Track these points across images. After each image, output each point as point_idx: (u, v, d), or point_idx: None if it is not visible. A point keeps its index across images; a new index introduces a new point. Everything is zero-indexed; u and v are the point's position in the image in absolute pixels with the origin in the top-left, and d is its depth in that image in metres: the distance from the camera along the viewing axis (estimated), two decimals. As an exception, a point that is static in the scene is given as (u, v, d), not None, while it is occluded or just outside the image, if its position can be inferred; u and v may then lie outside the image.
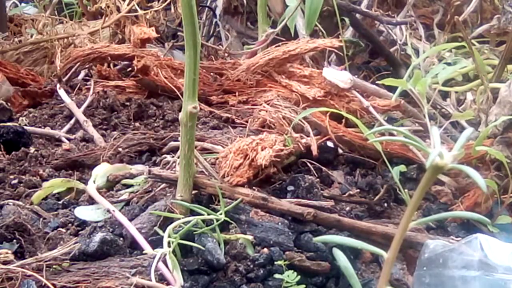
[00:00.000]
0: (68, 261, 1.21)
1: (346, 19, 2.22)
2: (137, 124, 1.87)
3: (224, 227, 1.28)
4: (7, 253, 1.17)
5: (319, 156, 1.55)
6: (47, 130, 1.86)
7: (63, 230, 1.35)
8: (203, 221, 1.25)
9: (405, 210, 0.82)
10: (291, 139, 1.51)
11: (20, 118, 1.92)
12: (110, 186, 1.49)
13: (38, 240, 1.28)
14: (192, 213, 1.28)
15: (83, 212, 1.38)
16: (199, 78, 1.30)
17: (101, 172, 1.50)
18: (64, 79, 2.11)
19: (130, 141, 1.68)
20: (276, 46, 1.93)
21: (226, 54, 2.23)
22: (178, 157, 1.37)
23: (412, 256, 1.29)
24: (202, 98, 1.88)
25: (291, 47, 1.89)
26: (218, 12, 2.70)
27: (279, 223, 1.31)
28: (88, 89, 2.03)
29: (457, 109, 1.96)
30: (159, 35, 2.37)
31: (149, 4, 2.56)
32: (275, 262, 1.22)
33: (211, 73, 2.02)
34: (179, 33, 2.77)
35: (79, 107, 1.93)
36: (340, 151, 1.63)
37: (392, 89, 1.74)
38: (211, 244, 1.21)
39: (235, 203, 1.30)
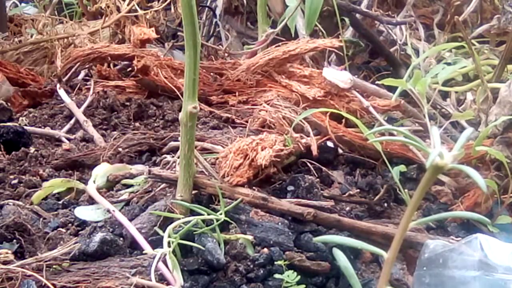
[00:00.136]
0: (68, 261, 1.21)
1: (346, 19, 2.22)
2: (137, 124, 1.87)
3: (224, 227, 1.28)
4: (7, 253, 1.17)
5: (319, 156, 1.55)
6: (47, 130, 1.86)
7: (63, 230, 1.35)
8: (203, 221, 1.25)
9: (405, 210, 0.82)
10: (291, 139, 1.51)
11: (20, 118, 1.92)
12: (110, 186, 1.49)
13: (38, 240, 1.28)
14: (192, 213, 1.28)
15: (83, 212, 1.38)
16: (199, 78, 1.30)
17: (101, 172, 1.50)
18: (64, 79, 2.11)
19: (130, 141, 1.68)
20: (276, 46, 1.93)
21: (226, 54, 2.23)
22: (178, 157, 1.37)
23: (412, 256, 1.29)
24: (202, 98, 1.88)
25: (291, 47, 1.89)
26: (218, 12, 2.70)
27: (279, 223, 1.31)
28: (88, 89, 2.03)
29: (457, 109, 1.96)
30: (159, 35, 2.37)
31: (149, 4, 2.56)
32: (275, 262, 1.22)
33: (211, 73, 2.02)
34: (179, 33, 2.77)
35: (79, 107, 1.93)
36: (340, 151, 1.63)
37: (392, 89, 1.74)
38: (211, 244, 1.21)
39: (235, 203, 1.30)
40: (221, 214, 1.26)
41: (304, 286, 1.19)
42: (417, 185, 0.74)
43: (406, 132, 0.81)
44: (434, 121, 1.76)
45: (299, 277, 1.18)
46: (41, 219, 1.38)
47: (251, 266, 1.22)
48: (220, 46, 2.43)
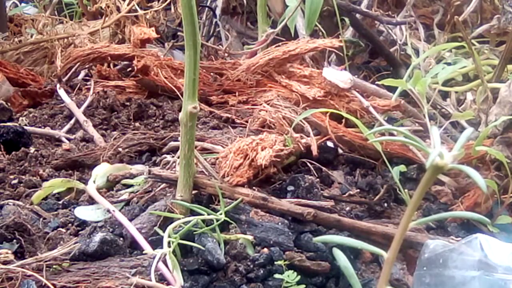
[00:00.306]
0: (68, 261, 1.21)
1: (346, 19, 2.22)
2: (137, 124, 1.87)
3: (224, 227, 1.28)
4: (7, 253, 1.17)
5: (319, 156, 1.55)
6: (47, 130, 1.86)
7: (63, 230, 1.35)
8: (203, 221, 1.25)
9: (405, 210, 0.82)
10: (291, 139, 1.51)
11: (20, 118, 1.92)
12: (110, 186, 1.49)
13: (38, 240, 1.28)
14: (192, 213, 1.28)
15: (83, 212, 1.38)
16: (199, 78, 1.30)
17: (101, 172, 1.50)
18: (64, 79, 2.11)
19: (130, 141, 1.68)
20: (276, 46, 1.93)
21: (226, 54, 2.23)
22: (178, 157, 1.37)
23: (412, 256, 1.29)
24: (202, 98, 1.88)
25: (291, 47, 1.89)
26: (218, 12, 2.71)
27: (279, 223, 1.31)
28: (88, 89, 2.03)
29: (457, 109, 1.96)
30: (159, 35, 2.37)
31: (149, 4, 2.56)
32: (275, 262, 1.22)
33: (211, 73, 2.02)
34: (179, 33, 2.78)
35: (79, 107, 1.93)
36: (340, 151, 1.63)
37: (392, 89, 1.74)
38: (211, 244, 1.21)
39: (235, 203, 1.30)
40: (221, 214, 1.26)
41: (304, 286, 1.19)
42: (417, 185, 0.74)
43: (406, 132, 0.81)
44: (434, 121, 1.76)
45: (299, 277, 1.18)
46: (41, 219, 1.38)
47: (251, 266, 1.22)
48: (220, 46, 2.43)
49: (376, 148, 1.55)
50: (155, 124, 1.86)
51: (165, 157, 1.55)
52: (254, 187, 1.38)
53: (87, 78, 2.18)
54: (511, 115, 1.50)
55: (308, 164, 1.55)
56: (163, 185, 1.39)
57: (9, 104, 1.94)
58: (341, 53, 2.04)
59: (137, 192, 1.42)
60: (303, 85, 1.82)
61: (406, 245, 1.30)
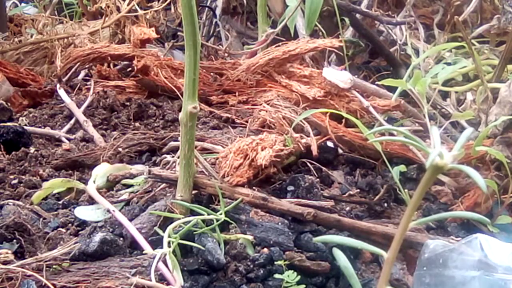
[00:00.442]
0: (68, 261, 1.21)
1: (346, 19, 2.22)
2: (137, 124, 1.87)
3: (224, 227, 1.28)
4: (7, 253, 1.17)
5: (319, 156, 1.55)
6: (47, 130, 1.86)
7: (63, 230, 1.35)
8: (203, 221, 1.25)
9: (405, 210, 0.82)
10: (291, 139, 1.51)
11: (20, 118, 1.92)
12: (110, 186, 1.49)
13: (38, 240, 1.28)
14: (192, 213, 1.28)
15: (83, 212, 1.38)
16: (199, 78, 1.30)
17: (101, 172, 1.50)
18: (64, 79, 2.11)
19: (130, 141, 1.68)
20: (276, 46, 1.93)
21: (226, 54, 2.23)
22: (178, 157, 1.37)
23: (412, 256, 1.29)
24: (202, 98, 1.88)
25: (291, 47, 1.89)
26: (218, 12, 2.71)
27: (279, 223, 1.31)
28: (88, 89, 2.03)
29: (457, 109, 1.95)
30: (159, 35, 2.37)
31: (149, 4, 2.56)
32: (275, 262, 1.22)
33: (211, 73, 2.02)
34: (179, 33, 2.77)
35: (79, 107, 1.93)
36: (340, 151, 1.63)
37: (392, 89, 1.74)
38: (211, 244, 1.21)
39: (235, 203, 1.30)
40: (221, 214, 1.26)
41: (304, 286, 1.19)
42: (417, 185, 0.74)
43: (406, 132, 0.81)
44: (434, 121, 1.76)
45: (299, 277, 1.18)
46: (41, 219, 1.38)
47: (251, 266, 1.22)
48: (220, 46, 2.43)
49: (376, 148, 1.55)
50: (155, 124, 1.86)
51: (165, 157, 1.55)
52: (254, 187, 1.38)
53: (87, 78, 2.18)
54: (511, 115, 1.50)
55: (308, 164, 1.55)
56: (163, 185, 1.39)
57: (9, 104, 1.94)
58: (341, 53, 2.04)
59: (137, 192, 1.42)
60: (303, 85, 1.82)
61: (406, 245, 1.30)
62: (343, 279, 1.26)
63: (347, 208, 1.43)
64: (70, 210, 1.42)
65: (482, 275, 1.09)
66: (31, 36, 2.43)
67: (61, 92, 2.02)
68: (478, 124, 1.71)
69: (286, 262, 1.22)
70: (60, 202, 1.47)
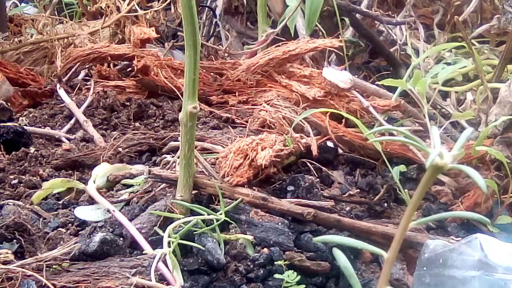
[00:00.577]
0: (68, 261, 1.21)
1: (346, 19, 2.22)
2: (137, 124, 1.87)
3: (224, 227, 1.28)
4: (7, 253, 1.17)
5: (319, 156, 1.55)
6: (47, 130, 1.86)
7: (63, 230, 1.35)
8: (203, 221, 1.25)
9: (405, 210, 0.82)
10: (291, 139, 1.51)
11: (20, 118, 1.92)
12: (110, 186, 1.49)
13: (38, 240, 1.28)
14: (192, 213, 1.28)
15: (83, 212, 1.38)
16: (199, 78, 1.30)
17: (101, 172, 1.50)
18: (64, 79, 2.11)
19: (130, 141, 1.68)
20: (276, 46, 1.93)
21: (226, 54, 2.23)
22: (178, 157, 1.37)
23: (412, 256, 1.29)
24: (202, 98, 1.88)
25: (291, 47, 1.89)
26: (218, 12, 2.71)
27: (279, 223, 1.31)
28: (88, 89, 2.03)
29: (457, 109, 1.95)
30: (159, 35, 2.37)
31: (149, 4, 2.56)
32: (275, 262, 1.22)
33: (211, 73, 2.02)
34: (179, 33, 2.77)
35: (79, 107, 1.93)
36: (340, 151, 1.63)
37: (392, 89, 1.74)
38: (211, 244, 1.21)
39: (235, 203, 1.30)
40: (221, 214, 1.26)
41: (304, 286, 1.19)
42: (417, 185, 0.74)
43: (406, 132, 0.81)
44: (434, 121, 1.76)
45: (299, 277, 1.18)
46: (41, 219, 1.38)
47: (251, 266, 1.22)
48: (220, 46, 2.43)
49: (376, 148, 1.55)
50: (155, 124, 1.86)
51: (165, 157, 1.55)
52: (254, 187, 1.38)
53: (87, 78, 2.18)
54: (511, 115, 1.50)
55: (308, 164, 1.55)
56: (163, 185, 1.39)
57: (9, 104, 1.94)
58: (341, 53, 2.04)
59: (137, 192, 1.42)
60: (303, 85, 1.82)
61: (406, 245, 1.30)
62: (343, 279, 1.26)
63: (347, 208, 1.43)
64: (70, 210, 1.42)
65: (482, 275, 1.09)
66: (31, 36, 2.43)
67: (61, 92, 2.02)
68: (478, 124, 1.71)
69: (286, 262, 1.22)
70: (60, 202, 1.47)
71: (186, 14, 1.20)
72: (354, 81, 1.77)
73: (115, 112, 1.92)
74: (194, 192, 1.33)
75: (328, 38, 1.95)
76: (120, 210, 1.34)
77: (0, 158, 1.66)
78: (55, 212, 1.42)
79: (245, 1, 2.64)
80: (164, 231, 1.19)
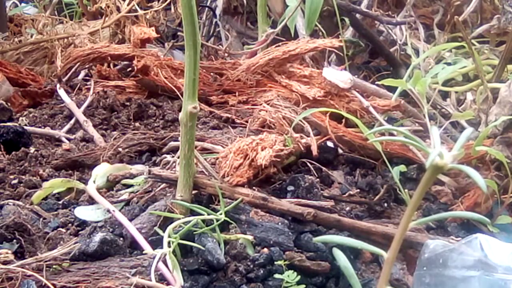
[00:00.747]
0: (68, 261, 1.21)
1: (346, 19, 2.22)
2: (137, 124, 1.87)
3: (224, 227, 1.28)
4: (7, 253, 1.17)
5: (319, 156, 1.55)
6: (47, 130, 1.86)
7: (63, 230, 1.35)
8: (203, 221, 1.25)
9: (405, 210, 0.82)
10: (291, 139, 1.51)
11: (20, 118, 1.92)
12: (110, 186, 1.49)
13: (38, 240, 1.28)
14: (192, 213, 1.28)
15: (83, 212, 1.38)
16: (199, 78, 1.30)
17: (101, 172, 1.50)
18: (64, 79, 2.11)
19: (130, 141, 1.68)
20: (276, 46, 1.93)
21: (226, 54, 2.23)
22: (178, 157, 1.37)
23: (412, 256, 1.29)
24: (202, 98, 1.88)
25: (291, 47, 1.89)
26: (218, 12, 2.71)
27: (279, 223, 1.31)
28: (88, 89, 2.03)
29: (457, 109, 1.95)
30: (159, 35, 2.37)
31: (149, 4, 2.56)
32: (275, 262, 1.22)
33: (211, 73, 2.02)
34: (179, 33, 2.77)
35: (79, 107, 1.93)
36: (340, 151, 1.63)
37: (392, 89, 1.74)
38: (211, 244, 1.21)
39: (235, 203, 1.30)
40: (221, 214, 1.26)
41: (304, 286, 1.19)
42: (417, 185, 0.74)
43: (406, 132, 0.81)
44: (434, 121, 1.76)
45: (299, 277, 1.18)
46: (41, 219, 1.38)
47: (251, 266, 1.22)
48: (220, 46, 2.43)
49: (376, 148, 1.55)
50: (155, 124, 1.86)
51: (165, 157, 1.55)
52: (254, 187, 1.38)
53: (87, 78, 2.18)
54: (511, 115, 1.50)
55: (308, 164, 1.55)
56: (163, 185, 1.39)
57: (9, 104, 1.94)
58: (341, 53, 2.04)
59: (137, 192, 1.42)
60: (303, 85, 1.82)
61: (406, 245, 1.30)
62: (343, 279, 1.26)
63: (347, 208, 1.43)
64: (70, 210, 1.42)
65: (482, 275, 1.09)
66: (31, 36, 2.43)
67: (61, 92, 2.02)
68: (478, 124, 1.71)
69: (286, 262, 1.22)
70: (60, 202, 1.47)
71: (186, 14, 1.20)
72: (354, 81, 1.77)
73: (115, 112, 1.92)
74: (194, 192, 1.33)
75: (328, 38, 1.95)
76: (120, 210, 1.34)
77: (0, 158, 1.66)
78: (55, 212, 1.42)
79: (245, 1, 2.64)
80: (164, 231, 1.19)
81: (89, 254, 1.21)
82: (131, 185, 1.46)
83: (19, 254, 1.23)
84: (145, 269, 1.15)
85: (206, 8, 2.79)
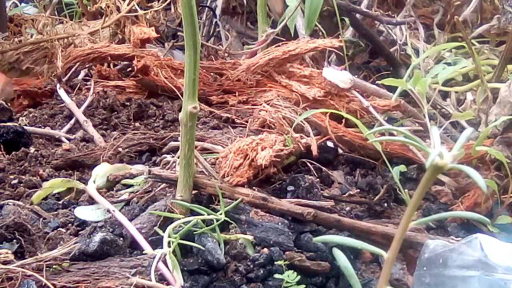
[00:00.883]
0: (68, 261, 1.21)
1: (346, 19, 2.22)
2: (137, 124, 1.87)
3: (224, 227, 1.28)
4: (7, 253, 1.17)
5: (319, 156, 1.55)
6: (47, 130, 1.86)
7: (63, 230, 1.35)
8: (203, 221, 1.25)
9: (405, 210, 0.82)
10: (291, 139, 1.51)
11: (20, 118, 1.92)
12: (110, 186, 1.49)
13: (38, 240, 1.28)
14: (192, 213, 1.28)
15: (83, 212, 1.38)
16: (199, 78, 1.30)
17: (101, 172, 1.50)
18: (64, 79, 2.11)
19: (130, 141, 1.68)
20: (276, 46, 1.93)
21: (226, 54, 2.23)
22: (178, 157, 1.37)
23: (412, 256, 1.29)
24: (202, 98, 1.88)
25: (291, 47, 1.89)
26: (218, 12, 2.71)
27: (279, 223, 1.31)
28: (88, 89, 2.03)
29: (457, 109, 1.95)
30: (159, 35, 2.37)
31: (149, 4, 2.55)
32: (275, 262, 1.22)
33: (211, 73, 2.02)
34: (179, 33, 2.77)
35: (79, 107, 1.93)
36: (340, 151, 1.63)
37: (392, 89, 1.74)
38: (211, 244, 1.21)
39: (235, 203, 1.30)
40: (221, 214, 1.26)
41: (304, 286, 1.19)
42: (417, 185, 0.74)
43: (406, 132, 0.81)
44: (434, 121, 1.76)
45: (299, 277, 1.18)
46: (41, 219, 1.38)
47: (251, 266, 1.22)
48: (220, 46, 2.43)
49: (376, 148, 1.55)
50: (155, 124, 1.86)
51: (165, 157, 1.55)
52: (254, 187, 1.38)
53: (87, 78, 2.17)
54: (511, 115, 1.50)
55: (308, 164, 1.55)
56: (163, 185, 1.39)
57: (9, 104, 1.94)
58: (341, 53, 2.04)
59: (137, 192, 1.42)
60: (303, 85, 1.82)
61: (406, 245, 1.30)
62: (343, 279, 1.26)
63: (347, 208, 1.43)
64: (70, 210, 1.42)
65: (482, 275, 1.09)
66: (31, 36, 2.43)
67: (61, 92, 2.02)
68: (478, 124, 1.71)
69: (286, 262, 1.22)
70: (60, 202, 1.47)
71: (186, 14, 1.20)
72: (354, 81, 1.77)
73: (115, 112, 1.92)
74: (194, 192, 1.33)
75: (328, 38, 1.95)
76: (120, 210, 1.34)
77: (0, 158, 1.66)
78: (55, 212, 1.42)
79: (244, 1, 2.63)
80: (164, 231, 1.19)
81: (89, 254, 1.21)
82: (131, 185, 1.46)
83: (19, 254, 1.23)
84: (145, 269, 1.15)
85: (206, 8, 2.79)
